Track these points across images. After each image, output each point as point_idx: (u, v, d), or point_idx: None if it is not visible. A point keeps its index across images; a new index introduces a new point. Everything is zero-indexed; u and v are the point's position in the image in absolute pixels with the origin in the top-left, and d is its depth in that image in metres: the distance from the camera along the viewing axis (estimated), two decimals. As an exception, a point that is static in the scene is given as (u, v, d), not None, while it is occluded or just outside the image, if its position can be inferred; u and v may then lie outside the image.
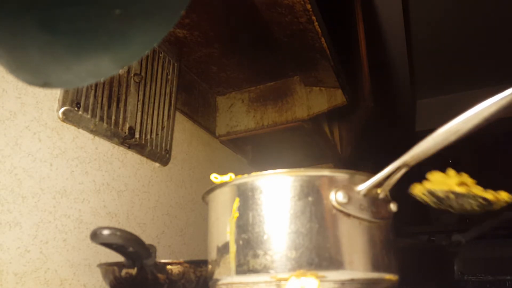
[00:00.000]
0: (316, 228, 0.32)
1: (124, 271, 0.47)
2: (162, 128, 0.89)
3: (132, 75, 0.82)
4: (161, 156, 0.89)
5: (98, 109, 0.72)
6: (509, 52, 2.34)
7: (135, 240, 0.42)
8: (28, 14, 0.24)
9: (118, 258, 0.46)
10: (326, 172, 0.34)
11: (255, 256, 0.33)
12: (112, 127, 0.75)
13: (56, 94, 0.67)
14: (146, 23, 0.27)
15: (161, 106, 0.90)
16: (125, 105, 0.79)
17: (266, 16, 0.76)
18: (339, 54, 0.93)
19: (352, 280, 0.32)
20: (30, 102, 0.62)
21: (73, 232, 0.66)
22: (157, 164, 0.89)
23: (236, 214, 0.35)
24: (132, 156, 0.82)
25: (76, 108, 0.68)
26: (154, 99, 0.88)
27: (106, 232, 0.39)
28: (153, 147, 0.86)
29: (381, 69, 1.95)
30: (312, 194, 0.33)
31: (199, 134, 1.10)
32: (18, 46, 0.25)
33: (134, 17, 0.26)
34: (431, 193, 0.39)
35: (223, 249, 0.36)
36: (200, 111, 1.10)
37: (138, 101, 0.83)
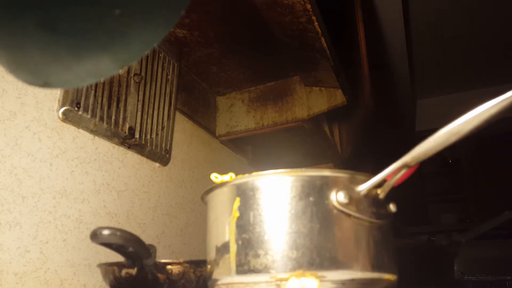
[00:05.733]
0: (317, 228, 0.32)
1: (124, 271, 0.47)
2: (162, 128, 0.89)
3: (132, 75, 0.82)
4: (161, 156, 0.89)
5: (98, 109, 0.72)
6: (509, 52, 2.34)
7: (135, 240, 0.42)
8: (28, 14, 0.24)
9: (118, 258, 0.46)
10: (327, 173, 0.34)
11: (256, 256, 0.33)
12: (112, 127, 0.75)
13: (56, 94, 0.67)
14: (146, 23, 0.27)
15: (161, 106, 0.90)
16: (125, 105, 0.79)
17: (266, 16, 0.76)
18: (339, 54, 0.93)
19: (352, 280, 0.32)
20: (30, 102, 0.62)
21: (73, 232, 0.66)
22: (157, 164, 0.89)
23: (237, 214, 0.35)
24: (132, 156, 0.82)
25: (76, 108, 0.68)
26: (154, 99, 0.88)
27: (106, 232, 0.39)
28: (153, 147, 0.86)
29: (381, 69, 1.95)
30: (313, 194, 0.33)
31: (199, 134, 1.10)
32: (18, 46, 0.25)
33: (134, 17, 0.26)
34: None
35: (223, 249, 0.36)
36: (200, 111, 1.10)
37: (138, 101, 0.83)
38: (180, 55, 0.98)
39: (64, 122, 0.67)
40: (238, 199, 0.35)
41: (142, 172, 0.84)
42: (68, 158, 0.67)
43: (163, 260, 0.47)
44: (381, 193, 0.35)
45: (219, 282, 0.36)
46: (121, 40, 0.27)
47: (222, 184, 0.37)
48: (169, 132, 0.92)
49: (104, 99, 0.74)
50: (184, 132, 1.03)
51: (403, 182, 0.36)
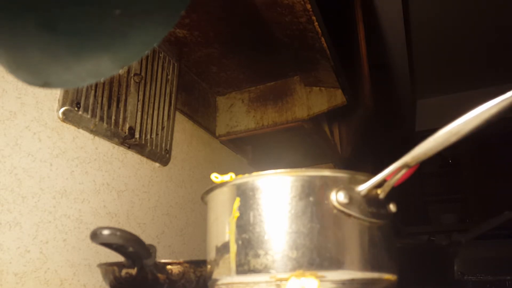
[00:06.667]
0: (317, 228, 0.32)
1: (124, 271, 0.47)
2: (162, 128, 0.89)
3: (132, 75, 0.82)
4: (161, 156, 0.89)
5: (98, 109, 0.72)
6: (509, 52, 2.34)
7: (135, 240, 0.42)
8: (28, 14, 0.24)
9: (118, 258, 0.46)
10: (327, 173, 0.34)
11: (256, 256, 0.33)
12: (112, 127, 0.75)
13: (56, 94, 0.67)
14: (146, 23, 0.27)
15: (161, 106, 0.90)
16: (125, 105, 0.79)
17: (266, 16, 0.76)
18: (339, 54, 0.93)
19: (352, 280, 0.32)
20: (30, 102, 0.62)
21: (73, 232, 0.66)
22: (157, 164, 0.89)
23: (237, 214, 0.35)
24: (132, 156, 0.82)
25: (76, 108, 0.68)
26: (154, 99, 0.88)
27: (106, 232, 0.39)
28: (153, 147, 0.86)
29: (381, 69, 1.95)
30: (313, 194, 0.33)
31: (199, 134, 1.10)
32: (18, 46, 0.25)
33: (134, 17, 0.26)
34: None
35: (223, 249, 0.36)
36: (200, 111, 1.10)
37: (138, 101, 0.83)
38: (180, 55, 0.98)
39: (64, 122, 0.67)
40: (238, 199, 0.35)
41: (142, 172, 0.84)
42: (68, 158, 0.67)
43: (163, 260, 0.47)
44: (381, 193, 0.35)
45: (219, 282, 0.36)
46: (121, 40, 0.27)
47: (222, 184, 0.37)
48: (169, 132, 0.92)
49: (104, 99, 0.74)
50: (184, 132, 1.02)
51: (403, 182, 0.36)
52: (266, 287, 0.33)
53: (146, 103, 0.85)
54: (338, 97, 1.04)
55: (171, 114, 0.93)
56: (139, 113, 0.82)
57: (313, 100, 1.07)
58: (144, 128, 0.83)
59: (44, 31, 0.24)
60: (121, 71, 0.78)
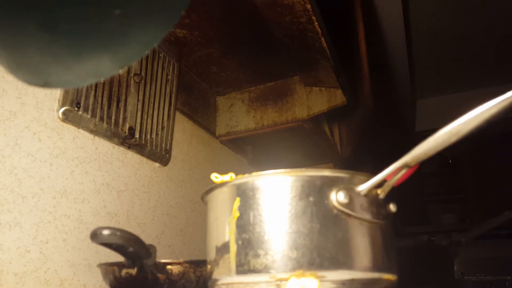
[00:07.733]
0: (317, 228, 0.32)
1: (124, 271, 0.47)
2: (162, 128, 0.89)
3: (132, 75, 0.82)
4: (161, 156, 0.89)
5: (98, 109, 0.72)
6: (509, 52, 2.34)
7: (135, 240, 0.42)
8: (28, 14, 0.24)
9: (118, 258, 0.46)
10: (327, 172, 0.34)
11: (256, 256, 0.33)
12: (112, 127, 0.75)
13: (56, 94, 0.67)
14: (146, 23, 0.27)
15: (161, 106, 0.90)
16: (125, 105, 0.79)
17: (266, 16, 0.76)
18: (339, 54, 0.93)
19: (352, 280, 0.32)
20: (30, 102, 0.62)
21: (73, 232, 0.66)
22: (157, 164, 0.89)
23: (237, 214, 0.35)
24: (132, 156, 0.82)
25: (76, 108, 0.68)
26: (154, 99, 0.88)
27: (106, 232, 0.39)
28: (153, 147, 0.86)
29: (381, 69, 1.95)
30: (313, 194, 0.33)
31: (199, 134, 1.10)
32: (18, 46, 0.25)
33: (134, 17, 0.26)
34: None
35: (223, 249, 0.36)
36: (200, 111, 1.10)
37: (138, 101, 0.83)
38: (180, 55, 0.98)
39: (64, 122, 0.67)
40: (238, 199, 0.35)
41: (142, 172, 0.84)
42: (68, 158, 0.67)
43: (163, 260, 0.47)
44: (381, 193, 0.35)
45: (219, 282, 0.36)
46: (121, 40, 0.27)
47: (222, 184, 0.38)
48: (169, 132, 0.92)
49: (104, 99, 0.74)
50: (184, 132, 1.02)
51: (403, 182, 0.36)
52: (266, 287, 0.33)
53: (146, 103, 0.85)
54: (338, 97, 1.04)
55: (171, 114, 0.93)
56: (139, 113, 0.82)
57: (313, 100, 1.07)
58: (144, 128, 0.83)
59: (44, 31, 0.24)
60: (121, 71, 0.79)
